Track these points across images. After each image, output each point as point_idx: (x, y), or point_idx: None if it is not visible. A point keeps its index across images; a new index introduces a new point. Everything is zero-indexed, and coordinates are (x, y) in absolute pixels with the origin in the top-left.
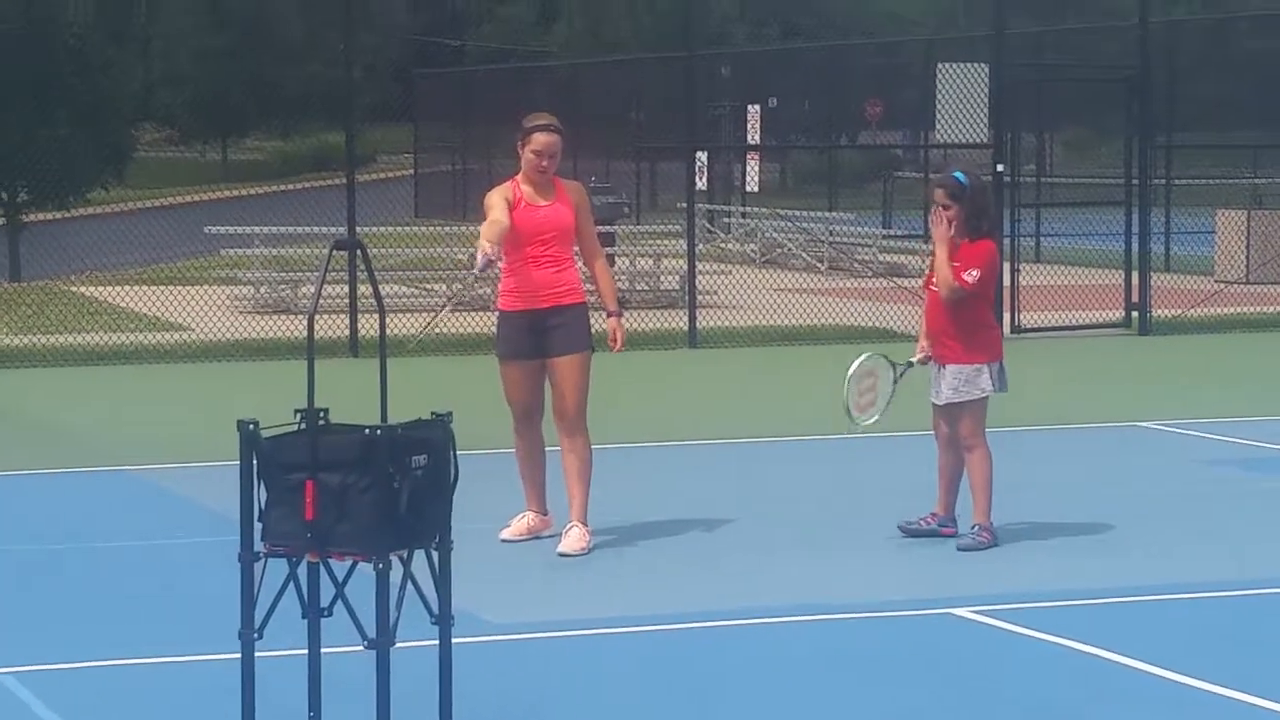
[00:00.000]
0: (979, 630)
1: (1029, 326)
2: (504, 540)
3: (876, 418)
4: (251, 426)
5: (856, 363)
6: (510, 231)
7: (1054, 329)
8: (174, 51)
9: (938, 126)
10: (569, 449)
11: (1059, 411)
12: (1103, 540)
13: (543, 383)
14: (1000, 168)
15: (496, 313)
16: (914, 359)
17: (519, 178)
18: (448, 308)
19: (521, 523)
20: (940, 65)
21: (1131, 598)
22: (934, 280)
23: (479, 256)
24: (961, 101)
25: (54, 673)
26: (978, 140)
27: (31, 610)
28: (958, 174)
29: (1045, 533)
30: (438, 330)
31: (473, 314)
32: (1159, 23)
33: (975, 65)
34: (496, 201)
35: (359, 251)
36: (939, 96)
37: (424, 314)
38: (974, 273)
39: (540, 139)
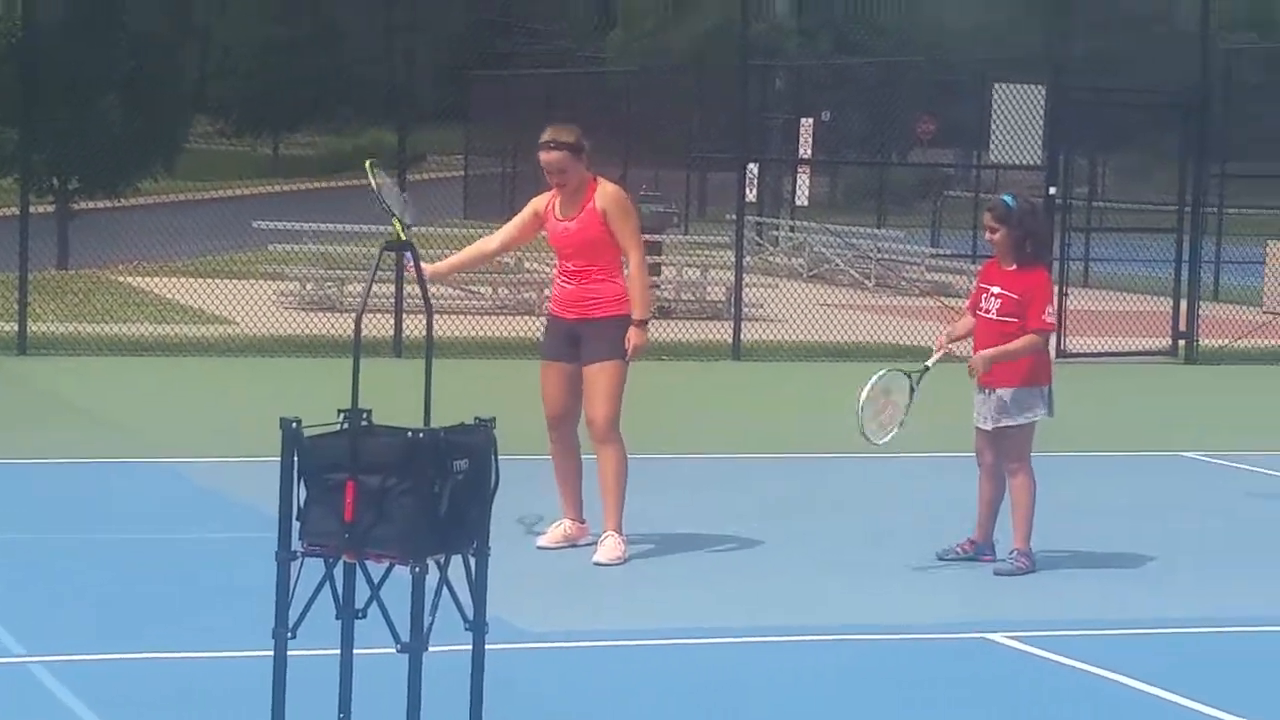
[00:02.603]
0: (1014, 656)
1: (1076, 351)
2: (540, 547)
3: (894, 432)
4: (294, 425)
5: (869, 386)
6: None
7: (1101, 355)
8: (232, 44)
9: (992, 147)
10: (602, 456)
11: (1103, 438)
12: (1143, 570)
13: (577, 389)
14: (1052, 190)
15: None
16: (929, 363)
17: None
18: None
19: (558, 530)
20: (996, 85)
21: (1169, 629)
22: (978, 305)
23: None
24: (1016, 122)
25: (83, 663)
26: (1031, 162)
27: (64, 599)
28: (1005, 197)
29: (1084, 561)
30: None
31: (519, 317)
32: (1218, 49)
33: (1032, 87)
34: (522, 214)
35: (409, 253)
36: (994, 117)
37: (469, 316)
38: (1050, 309)
39: (541, 157)
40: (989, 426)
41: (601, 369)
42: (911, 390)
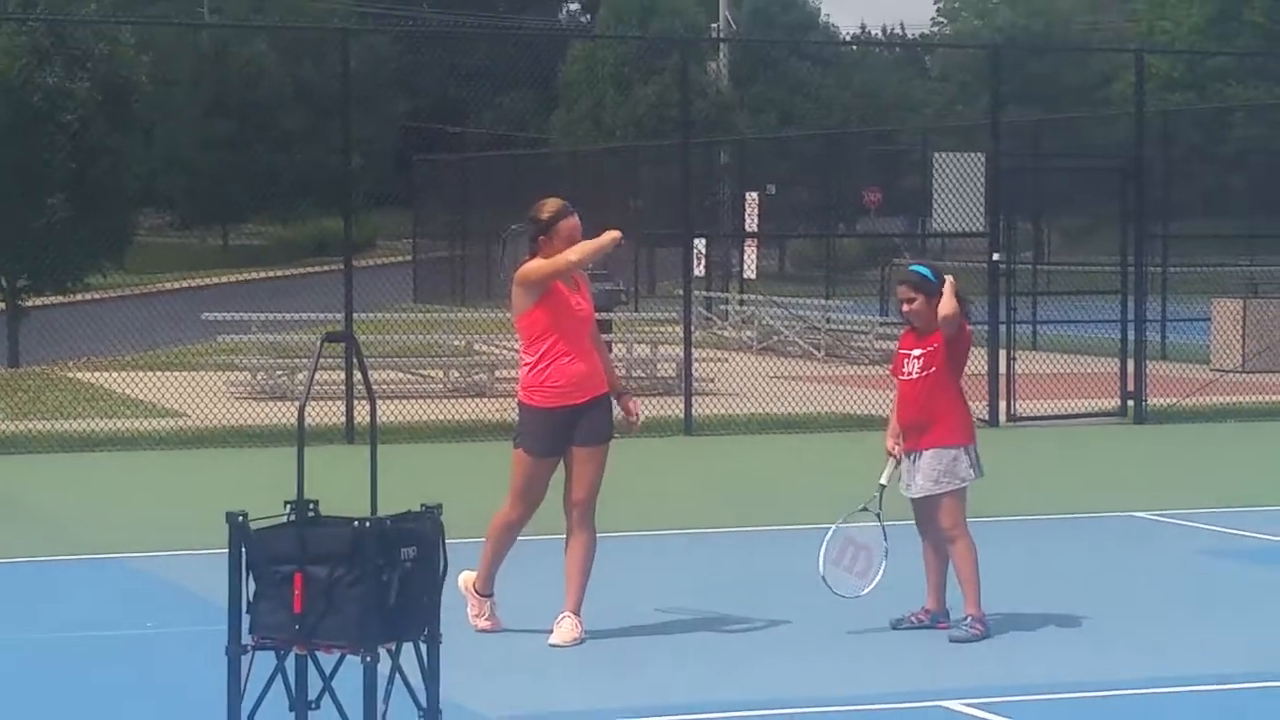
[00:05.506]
0: None
1: (1025, 415)
2: (480, 631)
3: (881, 568)
4: (240, 518)
5: (822, 552)
6: (553, 322)
7: (1050, 417)
8: (175, 138)
9: (934, 215)
10: (580, 539)
11: (1054, 501)
12: (1097, 632)
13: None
14: (996, 256)
15: (521, 405)
16: (883, 480)
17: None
18: None
19: (496, 614)
20: (936, 155)
21: (1124, 691)
22: (901, 369)
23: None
24: (958, 190)
25: None
26: (974, 229)
27: (17, 703)
28: (919, 268)
29: (1039, 624)
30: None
31: (466, 401)
32: (1155, 112)
33: (972, 155)
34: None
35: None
36: (935, 185)
37: (421, 400)
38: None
39: (569, 224)
40: (918, 494)
41: (603, 450)
42: (878, 516)
